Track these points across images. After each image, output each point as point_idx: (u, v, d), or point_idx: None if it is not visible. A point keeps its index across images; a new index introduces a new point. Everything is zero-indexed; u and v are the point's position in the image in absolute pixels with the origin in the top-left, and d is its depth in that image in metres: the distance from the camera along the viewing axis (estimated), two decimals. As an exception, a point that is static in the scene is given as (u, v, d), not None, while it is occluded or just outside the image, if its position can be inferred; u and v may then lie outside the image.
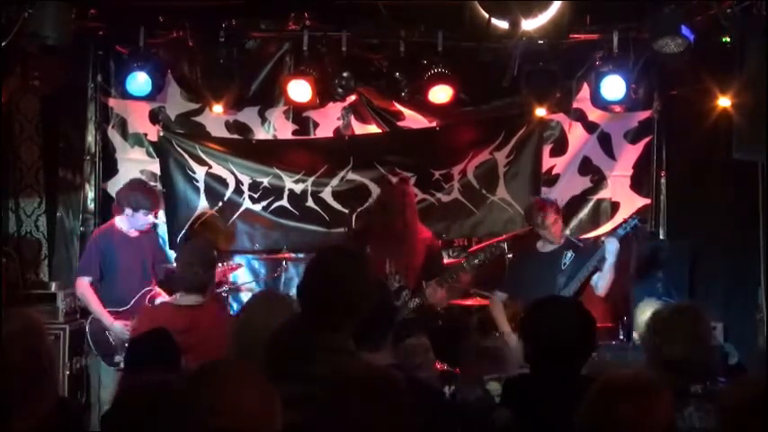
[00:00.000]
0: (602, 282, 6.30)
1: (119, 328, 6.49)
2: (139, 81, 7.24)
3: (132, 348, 4.46)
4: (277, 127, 7.87)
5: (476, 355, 5.14)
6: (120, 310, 6.55)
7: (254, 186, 7.69)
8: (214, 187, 7.69)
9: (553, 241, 6.45)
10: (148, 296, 6.60)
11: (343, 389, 2.50)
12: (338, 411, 2.45)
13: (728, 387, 2.79)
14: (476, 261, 6.48)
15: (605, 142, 7.70)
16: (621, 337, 6.78)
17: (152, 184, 7.76)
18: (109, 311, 6.55)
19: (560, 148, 7.74)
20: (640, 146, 7.70)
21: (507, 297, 6.52)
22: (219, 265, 6.87)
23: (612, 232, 6.42)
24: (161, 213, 7.78)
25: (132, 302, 6.55)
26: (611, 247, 6.21)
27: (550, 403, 3.31)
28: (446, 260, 7.10)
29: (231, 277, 7.47)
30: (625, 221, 6.47)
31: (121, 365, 6.41)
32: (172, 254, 7.56)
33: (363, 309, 3.39)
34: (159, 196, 7.27)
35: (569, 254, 6.41)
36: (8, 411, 2.98)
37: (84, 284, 6.63)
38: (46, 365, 3.43)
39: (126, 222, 6.72)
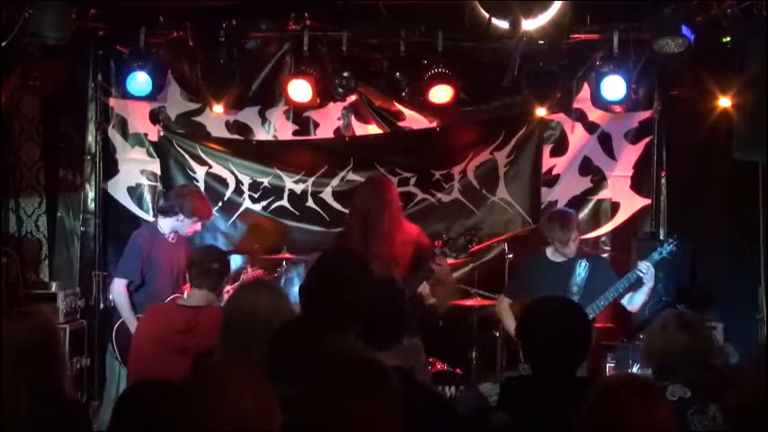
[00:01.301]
0: (636, 302, 6.28)
1: None
2: (140, 81, 7.24)
3: None
4: (277, 127, 7.86)
5: None
6: None
7: (254, 186, 7.69)
8: (214, 187, 7.70)
9: (565, 253, 6.36)
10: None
11: (328, 382, 2.48)
12: (325, 405, 2.43)
13: (742, 386, 2.79)
14: (460, 243, 6.43)
15: (605, 142, 7.70)
16: (623, 339, 6.78)
17: (152, 183, 7.78)
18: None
19: (560, 148, 7.74)
20: (640, 146, 7.69)
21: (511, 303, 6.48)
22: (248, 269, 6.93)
23: (648, 257, 6.27)
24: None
25: None
26: (649, 273, 6.14)
27: (548, 405, 3.31)
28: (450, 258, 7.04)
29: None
30: (660, 246, 6.36)
31: None
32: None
33: (365, 309, 3.39)
34: (211, 207, 7.04)
35: (583, 263, 6.33)
36: (13, 408, 2.99)
37: (121, 286, 6.45)
38: (55, 363, 3.45)
39: (170, 226, 6.56)
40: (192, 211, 6.50)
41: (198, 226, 6.65)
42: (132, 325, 6.32)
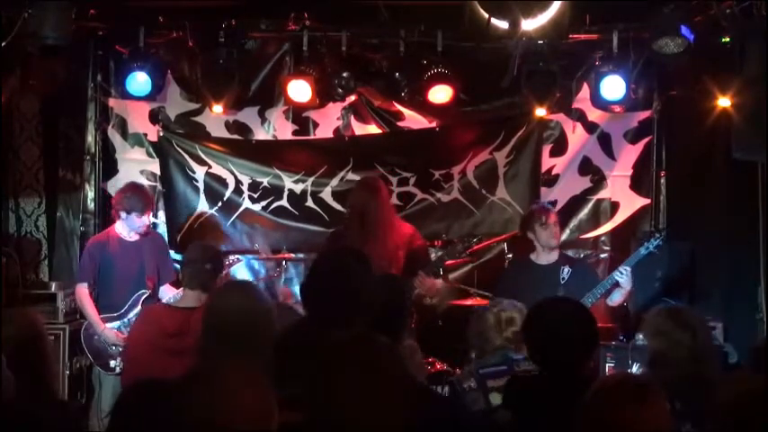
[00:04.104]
0: (616, 298, 6.46)
1: (110, 335, 6.51)
2: (139, 81, 7.23)
3: None
4: (277, 127, 7.86)
5: None
6: (116, 314, 6.58)
7: (253, 186, 7.69)
8: (214, 187, 7.70)
9: (550, 245, 6.48)
10: (142, 299, 6.60)
11: (322, 370, 2.44)
12: (323, 394, 2.39)
13: (727, 383, 2.78)
14: (457, 249, 6.45)
15: (605, 142, 7.70)
16: (621, 337, 6.77)
17: (152, 183, 7.77)
18: (105, 317, 6.57)
19: (560, 148, 7.74)
20: (640, 146, 7.69)
21: None
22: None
23: (635, 252, 6.43)
24: (161, 213, 7.80)
25: (126, 307, 6.58)
26: (625, 277, 6.29)
27: (551, 404, 3.31)
28: (448, 261, 7.06)
29: (231, 271, 7.49)
30: (647, 240, 6.46)
31: (117, 371, 6.43)
32: (171, 254, 7.55)
33: (370, 307, 3.39)
34: (152, 198, 7.24)
35: (566, 269, 6.47)
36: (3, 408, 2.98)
37: (81, 291, 6.66)
38: (42, 364, 3.45)
39: (124, 226, 6.72)
40: (127, 208, 6.64)
41: (144, 219, 6.74)
42: (95, 324, 6.55)
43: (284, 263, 7.52)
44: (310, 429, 2.40)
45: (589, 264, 7.35)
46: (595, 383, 2.70)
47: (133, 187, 6.98)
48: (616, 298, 6.47)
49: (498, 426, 3.68)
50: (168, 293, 6.62)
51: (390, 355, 2.45)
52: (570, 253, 7.33)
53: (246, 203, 7.71)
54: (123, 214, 6.67)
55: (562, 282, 6.40)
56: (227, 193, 7.70)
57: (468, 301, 6.89)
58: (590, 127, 7.70)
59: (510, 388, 3.78)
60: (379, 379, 2.36)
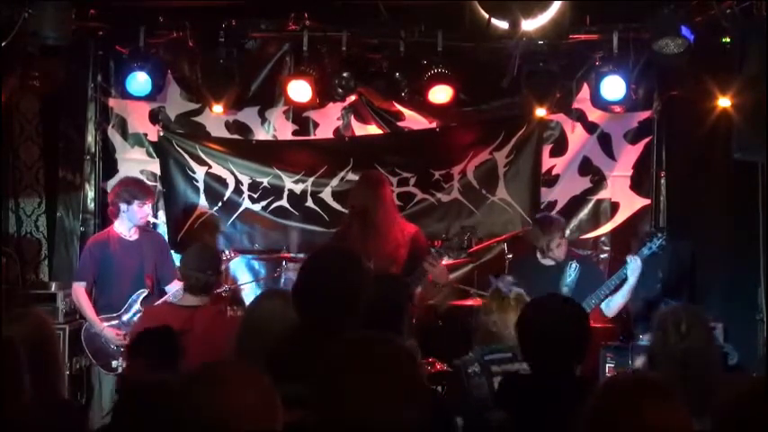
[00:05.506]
0: (614, 303, 6.37)
1: (110, 334, 6.51)
2: (139, 81, 7.24)
3: (135, 344, 4.47)
4: (277, 127, 7.87)
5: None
6: (115, 315, 6.58)
7: (253, 186, 7.69)
8: (214, 187, 7.70)
9: (557, 259, 6.47)
10: (141, 298, 6.60)
11: (336, 368, 2.41)
12: (334, 393, 2.37)
13: (727, 384, 2.75)
14: (455, 243, 6.42)
15: (605, 142, 7.70)
16: (621, 337, 6.77)
17: (152, 184, 7.77)
18: (105, 317, 6.57)
19: (560, 148, 7.74)
20: (640, 146, 7.69)
21: None
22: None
23: (637, 252, 6.37)
24: (161, 213, 7.80)
25: (125, 306, 6.57)
26: (635, 268, 6.21)
27: (546, 404, 3.30)
28: (446, 261, 7.04)
29: (230, 265, 7.49)
30: (650, 240, 6.40)
31: (119, 370, 6.44)
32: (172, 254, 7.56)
33: (363, 307, 3.38)
34: (150, 187, 7.26)
35: (574, 264, 6.42)
36: (6, 409, 2.99)
37: (79, 290, 6.67)
38: (51, 365, 3.45)
39: (125, 222, 6.71)
40: (128, 197, 6.64)
41: (146, 208, 6.75)
42: (94, 323, 6.57)
43: (284, 263, 7.52)
44: (314, 430, 2.39)
45: (596, 263, 7.30)
46: (605, 382, 2.64)
47: (129, 179, 7.01)
48: (615, 303, 6.37)
49: (493, 426, 3.67)
50: (176, 286, 6.61)
51: (397, 355, 2.41)
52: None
53: (246, 203, 7.71)
54: (124, 206, 6.66)
55: (568, 279, 6.34)
56: (228, 193, 7.70)
57: (469, 302, 6.89)
58: (590, 127, 7.70)
59: (504, 387, 3.77)
60: (383, 379, 2.33)
